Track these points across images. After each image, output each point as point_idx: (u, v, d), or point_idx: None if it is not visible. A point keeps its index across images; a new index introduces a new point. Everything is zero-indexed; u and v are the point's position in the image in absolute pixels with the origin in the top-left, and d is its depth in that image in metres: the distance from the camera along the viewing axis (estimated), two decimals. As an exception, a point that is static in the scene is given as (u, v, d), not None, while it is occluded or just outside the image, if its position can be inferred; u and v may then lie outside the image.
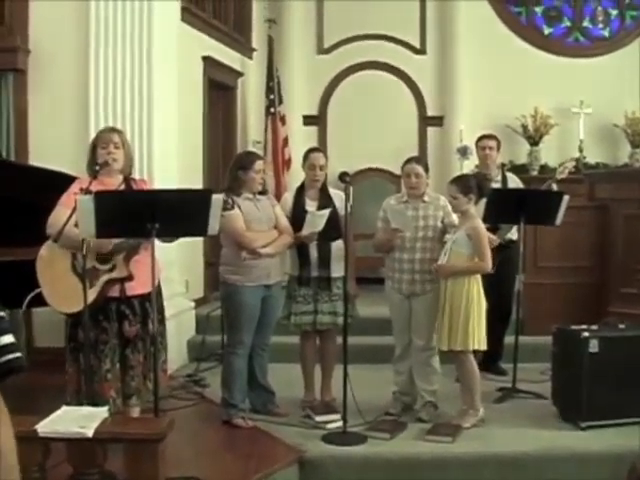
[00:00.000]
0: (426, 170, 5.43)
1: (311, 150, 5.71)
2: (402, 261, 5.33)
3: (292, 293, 5.48)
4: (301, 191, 5.58)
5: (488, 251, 5.11)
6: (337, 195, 5.53)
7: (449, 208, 5.30)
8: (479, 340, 5.08)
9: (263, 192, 5.40)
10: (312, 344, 5.65)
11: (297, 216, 5.37)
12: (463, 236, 5.08)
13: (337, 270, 5.39)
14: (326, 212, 5.28)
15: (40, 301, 4.62)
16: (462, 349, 5.08)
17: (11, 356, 1.39)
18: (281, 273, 5.42)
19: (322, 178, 5.54)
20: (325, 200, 5.48)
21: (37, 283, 4.49)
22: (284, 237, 5.25)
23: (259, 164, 5.25)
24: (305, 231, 5.24)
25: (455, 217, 5.29)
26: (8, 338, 1.39)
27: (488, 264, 5.10)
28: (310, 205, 5.47)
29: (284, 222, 5.32)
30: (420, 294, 5.31)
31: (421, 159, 5.71)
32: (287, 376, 5.80)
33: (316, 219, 5.25)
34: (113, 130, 4.79)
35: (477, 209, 5.26)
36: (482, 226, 5.17)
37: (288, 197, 5.64)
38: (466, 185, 5.14)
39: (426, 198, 5.39)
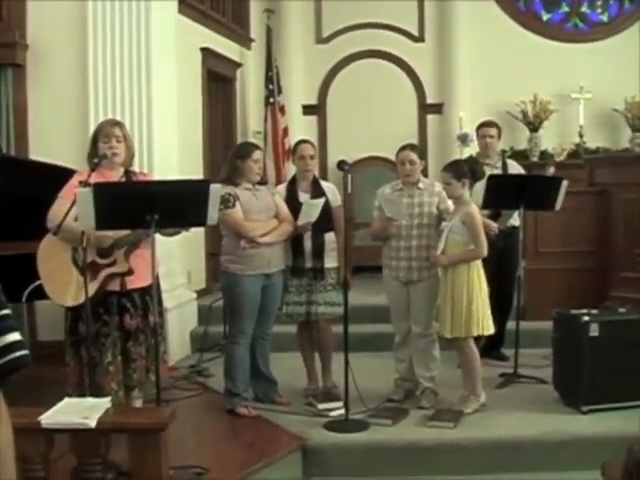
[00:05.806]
0: (421, 157, 5.45)
1: (299, 142, 5.75)
2: (399, 249, 5.35)
3: (285, 283, 5.47)
4: (293, 184, 5.62)
5: (483, 237, 5.12)
6: (329, 188, 5.60)
7: (444, 194, 5.32)
8: (483, 325, 5.10)
9: (263, 182, 5.42)
10: (308, 334, 5.68)
11: (291, 208, 5.37)
12: (458, 223, 5.09)
13: (330, 261, 5.45)
14: (320, 201, 5.32)
15: (41, 294, 4.64)
16: (465, 335, 5.10)
17: (17, 354, 1.38)
18: (283, 262, 5.42)
19: (313, 168, 5.58)
20: (317, 192, 5.51)
21: (38, 276, 4.51)
22: (284, 226, 5.27)
23: (257, 154, 5.28)
24: (300, 221, 5.27)
25: (450, 203, 5.31)
26: (14, 336, 1.39)
27: (483, 250, 5.11)
28: (303, 197, 5.49)
29: (285, 211, 5.33)
30: (417, 281, 5.33)
31: (415, 146, 5.71)
32: (289, 365, 5.84)
33: (311, 209, 5.28)
34: (115, 123, 4.74)
35: (473, 196, 5.27)
36: (477, 211, 5.18)
37: (281, 189, 5.65)
38: (459, 170, 5.16)
39: (421, 185, 5.41)
